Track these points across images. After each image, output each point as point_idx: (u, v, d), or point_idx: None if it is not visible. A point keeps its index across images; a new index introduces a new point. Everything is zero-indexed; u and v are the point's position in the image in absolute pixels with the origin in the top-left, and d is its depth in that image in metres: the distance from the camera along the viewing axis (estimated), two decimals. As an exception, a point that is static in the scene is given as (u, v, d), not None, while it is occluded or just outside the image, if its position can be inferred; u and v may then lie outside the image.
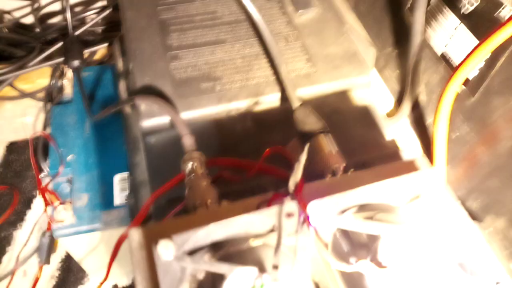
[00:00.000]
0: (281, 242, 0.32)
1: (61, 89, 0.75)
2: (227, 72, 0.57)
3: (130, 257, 0.37)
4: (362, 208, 0.36)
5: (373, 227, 0.32)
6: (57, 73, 0.77)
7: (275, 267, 0.31)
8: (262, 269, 0.31)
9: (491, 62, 0.51)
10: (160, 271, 0.30)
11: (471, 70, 0.48)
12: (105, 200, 0.65)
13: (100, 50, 0.81)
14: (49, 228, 0.71)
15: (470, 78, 0.54)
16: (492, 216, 0.56)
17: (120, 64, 0.67)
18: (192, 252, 0.33)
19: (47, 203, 0.65)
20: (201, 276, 0.34)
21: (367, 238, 0.34)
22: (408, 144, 0.62)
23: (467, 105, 0.56)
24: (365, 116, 0.58)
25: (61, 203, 0.65)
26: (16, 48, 0.79)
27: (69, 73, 0.76)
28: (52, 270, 0.81)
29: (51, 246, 0.75)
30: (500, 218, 0.55)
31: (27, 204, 0.88)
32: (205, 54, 0.59)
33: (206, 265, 0.31)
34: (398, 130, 0.68)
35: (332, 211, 0.33)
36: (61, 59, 0.76)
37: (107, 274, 0.58)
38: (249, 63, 0.58)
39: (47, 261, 0.75)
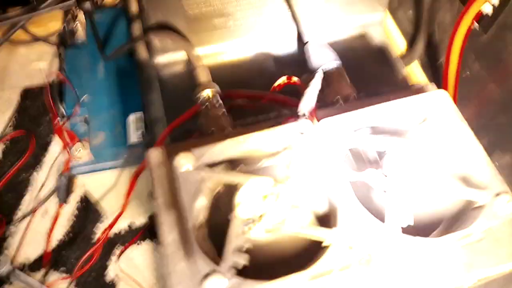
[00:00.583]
0: (293, 157, 0.33)
1: (73, 32, 0.76)
2: (240, 8, 0.57)
3: (150, 176, 0.39)
4: (372, 130, 0.37)
5: (381, 141, 0.33)
6: (69, 16, 0.77)
7: (287, 177, 0.32)
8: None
9: (504, -1, 0.50)
10: (180, 180, 0.32)
11: (483, 3, 0.48)
12: (121, 139, 0.66)
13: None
14: (66, 168, 0.74)
15: (484, 16, 0.53)
16: (498, 153, 0.57)
17: (133, 5, 0.67)
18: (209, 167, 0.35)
19: (64, 142, 0.68)
20: (220, 190, 0.36)
21: (376, 156, 0.35)
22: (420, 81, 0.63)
23: (479, 43, 0.56)
24: (378, 53, 0.58)
25: (78, 141, 0.67)
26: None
27: (81, 16, 0.76)
28: (71, 209, 0.84)
29: (69, 186, 0.78)
30: (506, 154, 0.56)
31: (44, 148, 0.90)
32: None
33: (223, 174, 0.33)
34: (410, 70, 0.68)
35: (343, 128, 0.35)
36: (72, 1, 0.76)
37: (124, 206, 0.61)
38: (262, -1, 0.58)
39: (65, 200, 0.79)
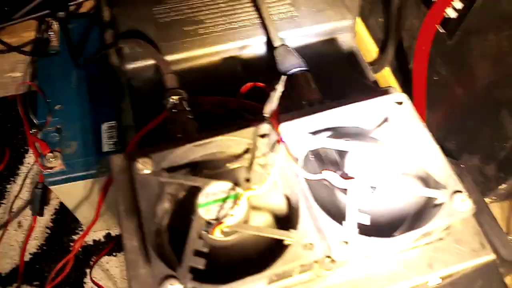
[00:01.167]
0: (254, 158, 0.34)
1: (47, 41, 0.75)
2: (210, 16, 0.58)
3: (113, 183, 0.38)
4: (334, 132, 0.37)
5: (340, 143, 0.34)
6: (43, 25, 0.76)
7: (248, 180, 0.33)
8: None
9: (468, 3, 0.52)
10: (138, 185, 0.32)
11: (446, 7, 0.49)
12: (94, 148, 0.66)
13: (87, 3, 0.80)
14: (41, 179, 0.73)
15: (449, 21, 0.55)
16: (467, 155, 0.58)
17: (105, 13, 0.67)
18: (171, 171, 0.34)
19: (36, 153, 0.67)
20: (181, 195, 0.36)
21: (337, 157, 0.35)
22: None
23: (446, 47, 0.57)
24: (348, 59, 0.59)
25: (49, 152, 0.66)
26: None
27: (55, 25, 0.75)
28: (46, 221, 0.83)
29: (44, 197, 0.77)
30: (475, 156, 0.57)
31: (19, 159, 0.89)
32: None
33: (183, 179, 0.33)
34: (382, 76, 0.69)
35: (304, 131, 0.35)
36: (46, 12, 0.75)
37: (96, 217, 0.60)
38: (232, 7, 0.58)
39: (40, 212, 0.77)
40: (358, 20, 0.73)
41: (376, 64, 0.69)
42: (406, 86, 0.66)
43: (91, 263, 0.78)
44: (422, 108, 0.61)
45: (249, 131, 0.35)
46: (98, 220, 0.65)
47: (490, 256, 0.35)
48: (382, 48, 0.69)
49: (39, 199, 0.75)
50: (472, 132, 0.57)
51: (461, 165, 0.57)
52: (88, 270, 0.77)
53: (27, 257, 0.78)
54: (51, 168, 0.65)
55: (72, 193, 0.69)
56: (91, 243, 0.81)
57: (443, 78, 0.59)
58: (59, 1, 0.75)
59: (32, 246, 0.80)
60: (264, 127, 0.35)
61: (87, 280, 0.76)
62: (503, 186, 0.54)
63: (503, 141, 0.52)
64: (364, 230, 0.32)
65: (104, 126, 0.67)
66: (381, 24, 0.69)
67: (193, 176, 0.33)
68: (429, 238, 0.35)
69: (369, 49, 0.73)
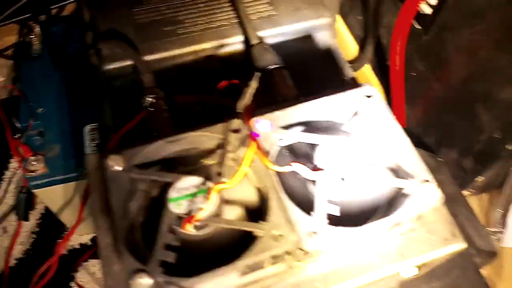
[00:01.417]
0: (226, 153, 0.34)
1: (29, 45, 0.75)
2: (189, 16, 0.58)
3: (89, 181, 0.38)
4: (306, 126, 0.38)
5: (310, 137, 0.34)
6: (24, 29, 0.76)
7: (219, 174, 0.33)
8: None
9: (442, -1, 0.53)
10: (109, 181, 0.32)
11: (419, 2, 0.50)
12: (77, 151, 0.66)
13: (69, 6, 0.80)
14: (25, 184, 0.73)
15: (424, 17, 0.56)
16: (446, 149, 0.59)
17: (86, 15, 0.67)
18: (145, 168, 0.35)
19: (18, 155, 0.67)
20: (155, 192, 0.37)
21: (309, 150, 0.36)
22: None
23: (422, 43, 0.58)
24: (326, 56, 0.59)
25: (33, 155, 0.66)
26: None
27: (37, 29, 0.75)
28: (31, 226, 0.83)
29: (29, 202, 0.77)
30: (453, 150, 0.57)
31: (4, 164, 0.89)
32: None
33: (154, 174, 0.33)
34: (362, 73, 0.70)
35: (275, 125, 0.35)
36: (28, 15, 0.76)
37: (78, 220, 0.60)
38: (211, 7, 0.59)
39: (25, 217, 0.77)
40: (339, 18, 0.74)
41: (356, 62, 0.69)
42: (386, 82, 0.67)
43: (78, 267, 0.78)
44: (401, 103, 0.62)
45: (221, 126, 0.36)
46: (83, 224, 0.65)
47: (461, 245, 0.36)
48: (362, 46, 0.70)
49: (24, 203, 0.75)
50: (449, 126, 0.57)
51: (439, 159, 0.57)
52: (74, 274, 0.77)
53: (12, 262, 0.78)
54: (33, 171, 0.65)
55: (56, 196, 0.69)
56: (77, 246, 0.81)
57: (420, 73, 0.60)
58: (41, 4, 0.75)
59: (18, 251, 0.79)
60: (236, 122, 0.35)
61: (73, 284, 0.76)
62: (480, 178, 0.55)
63: (478, 134, 0.53)
64: (337, 221, 0.32)
65: (87, 129, 0.67)
66: (361, 22, 0.70)
67: (163, 172, 0.33)
68: (401, 228, 0.35)
69: (349, 47, 0.74)
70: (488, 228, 0.58)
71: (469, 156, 0.55)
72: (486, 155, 0.53)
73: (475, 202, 0.60)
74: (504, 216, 0.57)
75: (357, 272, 0.34)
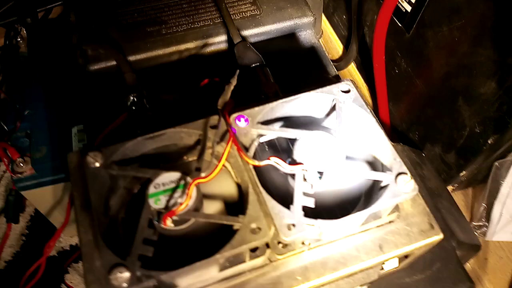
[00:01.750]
0: (205, 148, 0.34)
1: (16, 47, 0.75)
2: (173, 16, 0.59)
3: (70, 179, 0.39)
4: (286, 122, 0.38)
5: (288, 132, 0.35)
6: (11, 32, 0.76)
7: (198, 169, 0.33)
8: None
9: (422, -4, 0.53)
10: (88, 178, 0.33)
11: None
12: (64, 152, 0.66)
13: (56, 9, 0.81)
14: (14, 186, 0.72)
15: (405, 15, 0.56)
16: (430, 144, 0.59)
17: (71, 16, 0.68)
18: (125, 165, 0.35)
19: (5, 157, 0.67)
20: (136, 188, 0.37)
21: (289, 145, 0.36)
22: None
23: (404, 41, 0.59)
24: (309, 55, 0.60)
25: (20, 157, 0.66)
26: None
27: (24, 32, 0.75)
28: (21, 228, 0.83)
29: (18, 204, 0.76)
30: (436, 145, 0.58)
31: (-7, 168, 0.88)
32: (152, 0, 0.60)
33: (133, 170, 0.33)
34: (348, 72, 0.70)
35: (254, 121, 0.36)
36: (14, 18, 0.76)
37: (65, 220, 0.60)
38: (195, 7, 0.59)
39: (14, 219, 0.77)
40: (324, 18, 0.75)
41: (341, 61, 0.70)
42: (371, 81, 0.68)
43: (68, 268, 0.78)
44: (385, 101, 0.63)
45: (200, 122, 0.36)
46: (73, 225, 0.65)
47: (439, 236, 0.36)
48: (346, 45, 0.71)
49: (13, 205, 0.75)
50: (432, 122, 0.58)
51: (423, 153, 0.58)
52: (64, 275, 0.77)
53: (1, 265, 0.78)
54: (21, 173, 0.65)
55: (44, 198, 0.69)
56: (67, 248, 0.81)
57: (403, 71, 0.61)
58: (27, 7, 0.75)
59: (7, 254, 0.79)
60: (215, 118, 0.36)
61: (63, 285, 0.76)
62: (463, 173, 0.56)
63: (460, 129, 0.54)
64: (316, 214, 0.32)
65: (74, 130, 0.67)
66: (345, 21, 0.71)
67: (143, 168, 0.34)
68: (380, 221, 0.36)
69: (335, 47, 0.75)
70: (473, 222, 0.59)
71: (452, 151, 0.56)
72: (468, 149, 0.54)
73: (460, 197, 0.61)
74: (488, 210, 0.58)
75: (337, 264, 0.35)
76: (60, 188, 0.69)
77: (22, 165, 0.65)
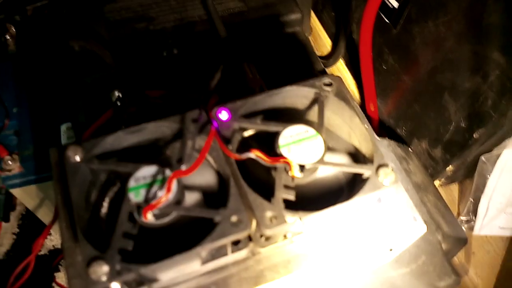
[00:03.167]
0: (186, 142, 0.34)
1: (5, 45, 0.75)
2: (161, 13, 0.59)
3: (52, 175, 0.39)
4: (269, 115, 0.39)
5: (270, 125, 0.35)
6: (-1, 30, 0.76)
7: (179, 160, 0.33)
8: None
9: (408, -9, 0.54)
10: (68, 172, 0.33)
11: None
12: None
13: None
14: (4, 185, 0.72)
15: (392, 10, 0.57)
16: (417, 139, 0.59)
17: (58, 14, 0.68)
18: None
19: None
20: (116, 183, 0.37)
21: (271, 138, 0.36)
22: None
23: (391, 37, 0.59)
24: (297, 51, 0.60)
25: (8, 154, 0.66)
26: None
27: (12, 29, 0.75)
28: (12, 227, 0.82)
29: (8, 202, 0.76)
30: (423, 140, 0.58)
31: (-17, 166, 0.88)
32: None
33: (113, 165, 0.33)
34: (336, 69, 0.71)
35: (236, 114, 0.36)
36: (2, 15, 0.75)
37: (54, 218, 0.60)
38: (183, 4, 0.59)
39: (5, 218, 0.76)
40: (313, 16, 0.75)
41: (330, 58, 0.70)
42: (359, 77, 0.68)
43: (59, 266, 0.78)
44: (373, 96, 0.63)
45: (181, 116, 0.36)
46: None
47: (422, 229, 0.36)
48: (335, 42, 0.71)
49: (3, 204, 0.75)
50: (419, 117, 0.58)
51: (410, 148, 0.58)
52: (55, 274, 0.76)
53: (-9, 264, 0.78)
54: (9, 171, 0.65)
55: (33, 196, 0.69)
56: (58, 246, 0.80)
57: (391, 66, 0.61)
58: (16, 4, 0.75)
59: (-3, 253, 0.79)
60: (196, 112, 0.36)
61: (54, 284, 0.76)
62: (450, 167, 0.56)
63: (446, 124, 0.54)
64: (299, 206, 0.32)
65: (63, 127, 0.67)
66: (334, 18, 0.71)
67: (123, 162, 0.33)
68: (362, 213, 0.36)
69: (324, 44, 0.75)
70: (460, 217, 0.59)
71: (438, 146, 0.56)
72: (454, 144, 0.54)
73: (447, 191, 0.61)
74: (474, 205, 0.58)
75: (320, 257, 0.35)
76: (48, 186, 0.68)
77: (10, 162, 0.65)
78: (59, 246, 0.81)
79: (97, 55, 0.54)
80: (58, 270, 0.77)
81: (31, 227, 0.82)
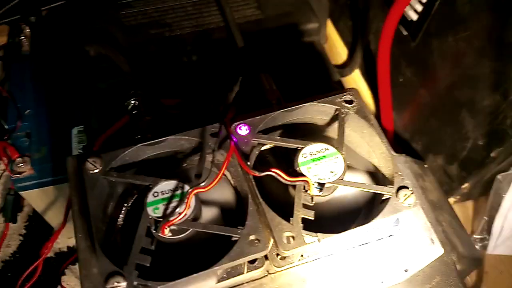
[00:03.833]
0: (205, 157, 0.34)
1: (19, 46, 0.75)
2: (177, 19, 0.58)
3: (69, 184, 0.38)
4: (288, 131, 0.38)
5: (289, 142, 0.34)
6: (14, 30, 0.76)
7: (197, 177, 0.33)
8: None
9: (427, 6, 0.53)
10: (87, 184, 0.32)
11: (403, 8, 0.50)
12: (64, 153, 0.65)
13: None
14: (13, 185, 0.72)
15: (411, 23, 0.56)
16: (432, 155, 0.59)
17: (75, 17, 0.67)
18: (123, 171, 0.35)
19: (4, 157, 0.66)
20: (134, 196, 0.36)
21: (290, 154, 0.36)
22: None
23: (409, 50, 0.58)
24: (313, 61, 0.59)
25: (19, 156, 0.66)
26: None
27: (27, 30, 0.75)
28: (19, 228, 0.82)
29: (16, 204, 0.76)
30: (439, 156, 0.58)
31: (-8, 166, 0.88)
32: (156, 2, 0.59)
33: (132, 178, 0.33)
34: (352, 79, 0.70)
35: (255, 129, 0.35)
36: (18, 16, 0.76)
37: (63, 222, 0.59)
38: (199, 10, 0.59)
39: (13, 219, 0.76)
40: (329, 24, 0.74)
41: (346, 67, 0.70)
42: (375, 88, 0.67)
43: (65, 270, 0.77)
44: (389, 109, 0.62)
45: (200, 130, 0.36)
46: (71, 227, 0.64)
47: (439, 251, 0.36)
48: (351, 51, 0.70)
49: (11, 205, 0.75)
50: (436, 133, 0.58)
51: (425, 165, 0.57)
52: (61, 277, 0.76)
53: (-1, 265, 0.78)
54: (20, 173, 0.65)
55: (42, 198, 0.69)
56: (65, 249, 0.80)
57: (408, 79, 0.60)
58: (31, 6, 0.75)
59: (4, 253, 0.79)
60: (216, 126, 0.35)
61: (60, 287, 0.75)
62: (465, 185, 0.55)
63: (463, 141, 0.53)
64: (316, 226, 0.32)
65: (74, 131, 0.67)
66: (350, 28, 0.70)
67: (142, 175, 0.33)
68: (380, 234, 0.35)
69: (340, 53, 0.74)
70: (474, 235, 0.58)
71: (454, 163, 0.55)
72: (471, 162, 0.53)
73: (461, 209, 0.60)
74: (489, 223, 0.57)
75: (336, 277, 0.34)
76: (58, 189, 0.68)
77: (21, 165, 0.65)
78: (65, 249, 0.81)
79: (113, 61, 0.54)
80: (64, 274, 0.77)
81: (37, 229, 0.82)
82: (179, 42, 0.56)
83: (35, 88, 0.70)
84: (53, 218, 0.74)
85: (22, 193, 0.67)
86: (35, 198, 0.70)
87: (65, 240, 0.80)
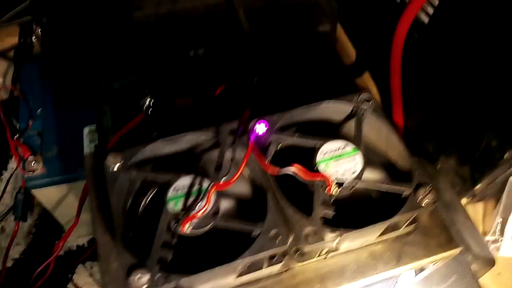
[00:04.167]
0: (224, 153, 0.34)
1: (30, 46, 0.76)
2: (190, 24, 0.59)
3: (87, 180, 0.39)
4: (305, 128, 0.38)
5: (308, 140, 0.35)
6: (25, 31, 0.77)
7: (217, 173, 0.33)
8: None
9: (438, 9, 0.53)
10: (108, 180, 0.32)
11: (417, 11, 0.50)
12: (75, 151, 0.66)
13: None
14: (24, 184, 0.72)
15: (422, 25, 0.56)
16: (444, 156, 0.59)
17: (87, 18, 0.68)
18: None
19: (17, 155, 0.67)
20: (153, 191, 0.37)
21: (308, 151, 0.36)
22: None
23: (420, 52, 0.58)
24: (325, 62, 0.60)
25: (31, 155, 0.66)
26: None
27: (38, 31, 0.76)
28: (29, 226, 0.83)
29: (27, 202, 0.76)
30: (451, 157, 0.58)
31: (3, 164, 0.89)
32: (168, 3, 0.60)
33: (152, 174, 0.33)
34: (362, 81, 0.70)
35: (274, 127, 0.36)
36: (29, 17, 0.76)
37: (75, 221, 0.60)
38: (212, 14, 0.59)
39: (23, 217, 0.76)
40: (339, 26, 0.74)
41: (357, 68, 0.70)
42: (385, 90, 0.67)
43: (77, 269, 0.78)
44: (400, 110, 0.62)
45: (219, 128, 0.36)
46: (81, 225, 0.65)
47: (456, 249, 0.36)
48: (361, 53, 0.71)
49: (22, 204, 0.75)
50: (448, 133, 0.58)
51: (438, 166, 0.57)
52: (70, 275, 0.76)
53: (9, 263, 0.78)
54: (32, 171, 0.65)
55: (53, 197, 0.69)
56: (74, 248, 0.80)
57: (419, 81, 0.60)
58: (42, 6, 0.75)
59: (15, 251, 0.79)
60: (234, 124, 0.36)
61: (70, 285, 0.76)
62: (478, 186, 0.55)
63: (477, 142, 0.53)
64: (335, 222, 0.32)
65: (86, 130, 0.67)
66: (361, 30, 0.71)
67: (162, 171, 0.33)
68: (397, 231, 0.36)
69: (349, 54, 0.74)
70: (487, 237, 0.58)
71: (467, 164, 0.55)
72: (483, 163, 0.53)
73: (474, 210, 0.60)
74: (502, 225, 0.57)
75: (354, 274, 0.35)
76: (69, 188, 0.69)
77: (33, 163, 0.65)
78: (74, 248, 0.81)
79: (125, 60, 0.54)
80: (74, 272, 0.77)
81: (47, 227, 0.82)
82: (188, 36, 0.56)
83: (47, 88, 0.70)
84: (63, 216, 0.75)
85: (33, 191, 0.67)
86: (46, 196, 0.70)
87: (74, 239, 0.81)
